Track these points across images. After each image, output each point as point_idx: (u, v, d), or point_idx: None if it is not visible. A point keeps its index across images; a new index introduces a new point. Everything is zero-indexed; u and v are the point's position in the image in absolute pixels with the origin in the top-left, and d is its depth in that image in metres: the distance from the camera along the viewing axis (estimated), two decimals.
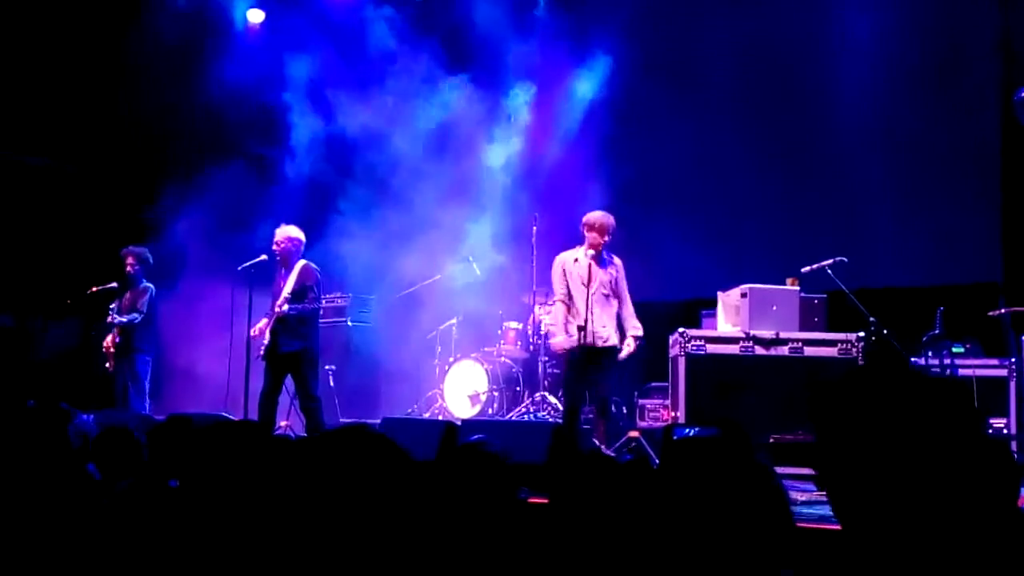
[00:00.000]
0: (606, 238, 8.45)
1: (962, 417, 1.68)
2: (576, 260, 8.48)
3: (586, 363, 8.39)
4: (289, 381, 9.57)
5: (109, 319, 10.54)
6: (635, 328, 8.54)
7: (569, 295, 8.49)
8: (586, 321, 8.27)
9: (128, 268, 10.67)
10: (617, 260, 8.68)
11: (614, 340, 8.43)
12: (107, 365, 10.63)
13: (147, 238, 11.74)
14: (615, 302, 8.54)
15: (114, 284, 10.88)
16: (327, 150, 13.30)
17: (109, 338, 10.56)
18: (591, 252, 8.43)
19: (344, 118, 12.97)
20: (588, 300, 8.30)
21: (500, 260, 11.55)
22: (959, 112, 10.42)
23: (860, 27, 10.83)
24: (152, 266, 10.92)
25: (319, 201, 12.67)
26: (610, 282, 8.51)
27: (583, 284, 8.37)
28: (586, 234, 8.49)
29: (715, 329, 8.83)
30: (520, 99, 12.38)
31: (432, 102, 12.66)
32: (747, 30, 11.14)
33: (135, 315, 10.51)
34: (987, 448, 1.69)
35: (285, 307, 9.31)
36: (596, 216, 8.50)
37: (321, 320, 10.48)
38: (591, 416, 8.95)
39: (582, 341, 8.29)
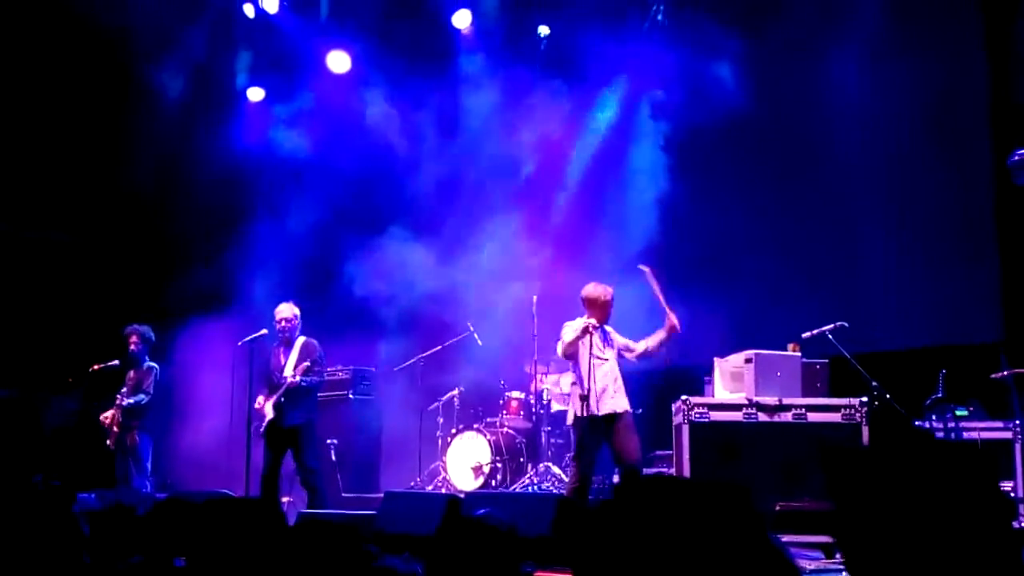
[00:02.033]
0: (609, 311, 8.34)
1: (980, 481, 1.68)
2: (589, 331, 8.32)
3: (599, 434, 8.26)
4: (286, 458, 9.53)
5: (118, 401, 10.47)
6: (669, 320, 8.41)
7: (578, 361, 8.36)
8: (589, 391, 8.17)
9: (131, 347, 10.62)
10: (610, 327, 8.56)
11: (622, 406, 8.27)
12: (108, 442, 10.56)
13: (148, 314, 11.77)
14: (618, 365, 8.40)
15: (116, 362, 10.85)
16: (324, 222, 13.44)
17: (110, 414, 10.50)
18: (595, 322, 8.28)
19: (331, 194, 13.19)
20: (591, 370, 8.22)
21: (502, 330, 11.56)
22: (955, 175, 10.50)
23: (857, 93, 10.96)
24: (155, 344, 10.89)
25: (315, 275, 12.75)
26: (616, 350, 8.42)
27: (589, 355, 8.27)
28: (587, 309, 8.34)
29: (712, 396, 8.79)
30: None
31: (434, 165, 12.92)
32: (746, 97, 11.27)
33: (142, 396, 10.47)
34: (1001, 509, 1.69)
35: (298, 378, 9.32)
36: (593, 292, 8.37)
37: (323, 394, 10.48)
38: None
39: (588, 412, 8.15)
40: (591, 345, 8.30)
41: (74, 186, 13.30)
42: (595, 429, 8.25)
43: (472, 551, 2.67)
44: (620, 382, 8.37)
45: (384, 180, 13.48)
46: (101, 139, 13.29)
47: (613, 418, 8.24)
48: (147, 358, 10.70)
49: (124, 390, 10.56)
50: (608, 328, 8.50)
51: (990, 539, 1.65)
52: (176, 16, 12.73)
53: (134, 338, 10.63)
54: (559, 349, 8.48)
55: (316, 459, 9.56)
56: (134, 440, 10.41)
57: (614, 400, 8.26)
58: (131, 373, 10.66)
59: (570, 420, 8.57)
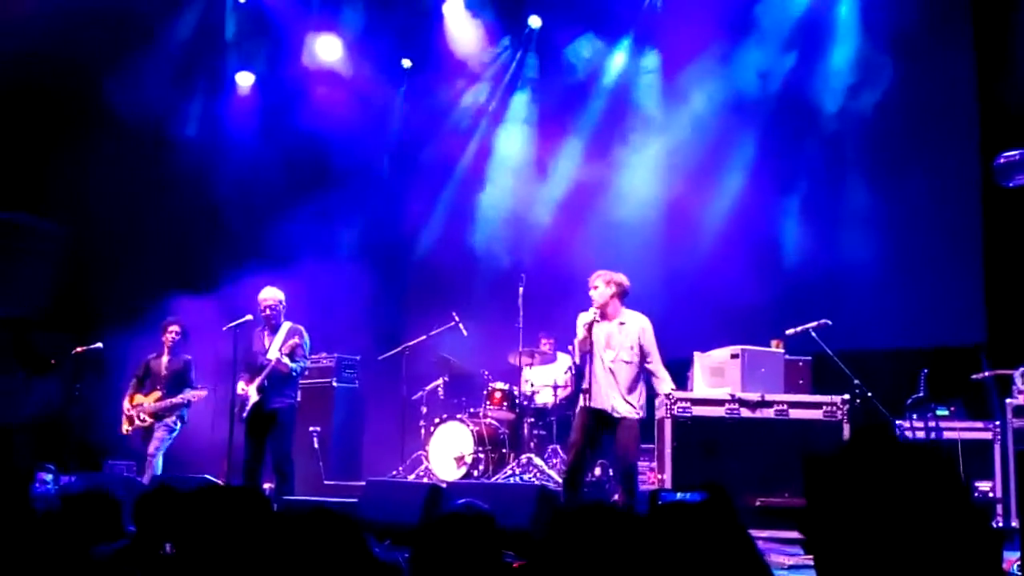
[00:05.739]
0: (610, 292, 7.86)
1: (948, 487, 1.70)
2: (596, 321, 7.86)
3: (596, 428, 7.92)
4: None
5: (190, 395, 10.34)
6: (664, 384, 8.09)
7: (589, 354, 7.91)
8: (591, 385, 7.82)
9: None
10: (640, 320, 8.02)
11: (628, 411, 7.85)
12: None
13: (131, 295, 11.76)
14: (637, 369, 7.93)
15: (99, 345, 10.86)
16: (312, 207, 13.43)
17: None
18: (598, 312, 7.86)
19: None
20: (598, 365, 7.86)
21: (487, 320, 11.58)
22: (942, 175, 10.53)
23: (845, 90, 10.97)
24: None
25: (304, 260, 12.74)
26: (631, 348, 7.91)
27: (601, 348, 7.88)
28: (590, 295, 7.94)
29: (691, 390, 8.77)
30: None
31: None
32: (731, 96, 11.30)
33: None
34: (971, 516, 1.72)
35: (285, 359, 9.30)
36: (599, 273, 7.99)
37: (307, 381, 10.46)
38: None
39: (588, 404, 7.84)
40: (607, 343, 7.93)
41: (54, 169, 13.22)
42: (600, 425, 7.94)
43: (456, 541, 2.68)
44: (630, 384, 7.91)
45: (371, 168, 13.50)
46: (86, 124, 13.20)
47: (622, 421, 7.86)
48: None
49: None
50: (638, 322, 8.03)
51: (960, 543, 1.67)
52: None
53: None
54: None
55: (291, 446, 9.52)
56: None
57: (629, 404, 7.89)
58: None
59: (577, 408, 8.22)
